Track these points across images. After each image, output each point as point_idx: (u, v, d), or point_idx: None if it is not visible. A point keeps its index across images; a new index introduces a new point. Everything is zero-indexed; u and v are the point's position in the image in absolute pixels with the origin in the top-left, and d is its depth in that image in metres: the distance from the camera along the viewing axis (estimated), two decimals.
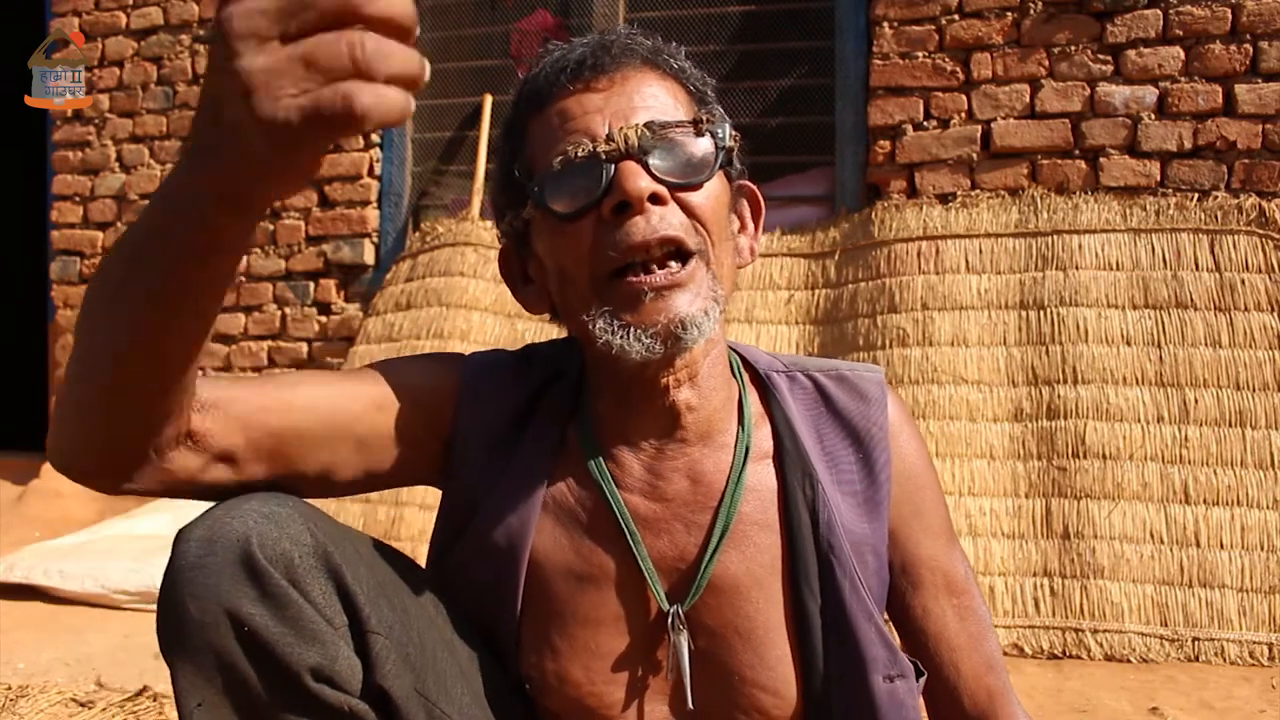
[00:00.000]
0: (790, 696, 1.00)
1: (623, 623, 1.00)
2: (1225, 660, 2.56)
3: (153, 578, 3.07)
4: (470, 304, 3.59)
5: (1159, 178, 3.19)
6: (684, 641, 0.98)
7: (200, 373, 0.87)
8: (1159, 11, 3.18)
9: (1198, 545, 2.71)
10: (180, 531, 0.86)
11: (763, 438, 1.04)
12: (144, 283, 0.75)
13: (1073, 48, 3.27)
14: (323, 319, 4.14)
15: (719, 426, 1.03)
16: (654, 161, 0.93)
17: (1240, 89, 3.11)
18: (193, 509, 0.88)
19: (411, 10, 0.58)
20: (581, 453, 1.03)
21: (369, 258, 4.09)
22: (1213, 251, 3.01)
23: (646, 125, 0.94)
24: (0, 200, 6.51)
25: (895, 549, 1.07)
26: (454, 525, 1.05)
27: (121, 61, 4.47)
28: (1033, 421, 2.94)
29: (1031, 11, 3.30)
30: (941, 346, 3.09)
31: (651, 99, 0.97)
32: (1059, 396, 2.94)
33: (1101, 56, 3.24)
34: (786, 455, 1.03)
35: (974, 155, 3.35)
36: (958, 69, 3.38)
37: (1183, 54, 3.17)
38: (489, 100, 3.92)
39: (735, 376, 1.06)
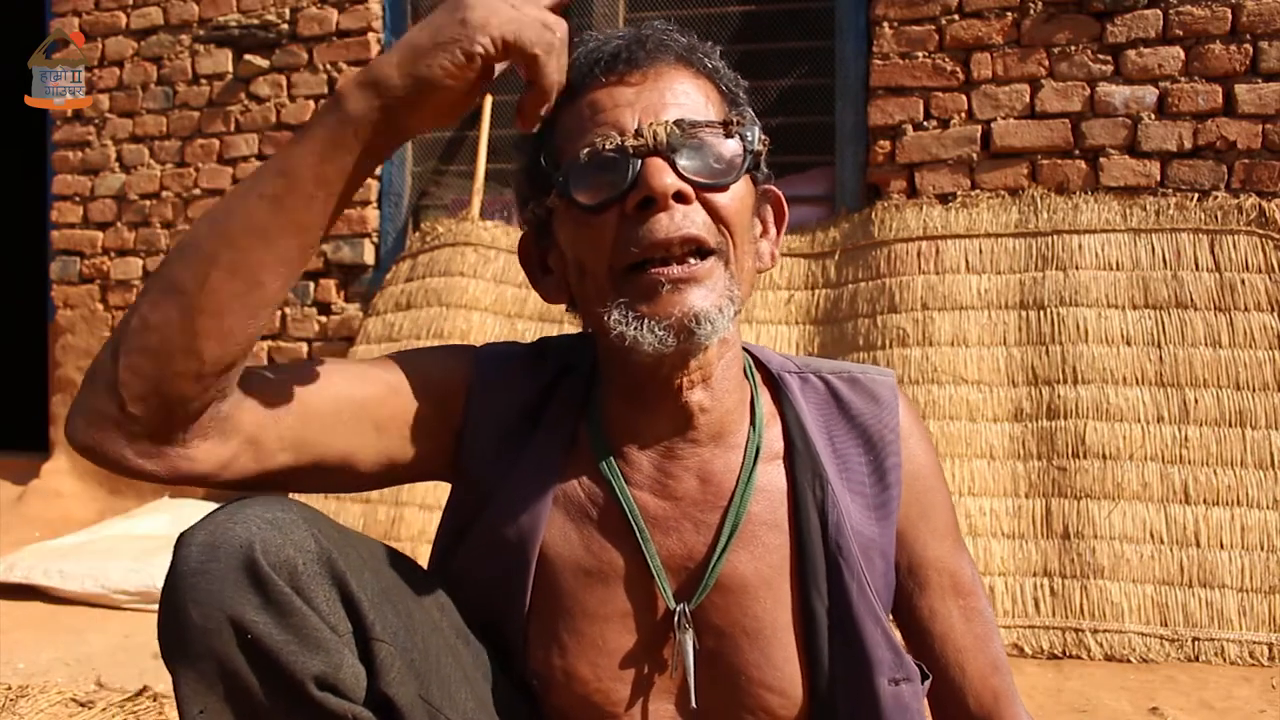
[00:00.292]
0: (796, 696, 1.00)
1: (630, 620, 1.00)
2: (1225, 660, 2.56)
3: (153, 578, 3.07)
4: (470, 304, 3.60)
5: (1159, 178, 3.19)
6: (689, 640, 0.98)
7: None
8: (1159, 11, 3.18)
9: (1198, 545, 2.71)
10: (182, 536, 0.85)
11: (774, 438, 1.04)
12: (281, 181, 0.85)
13: (1073, 48, 3.27)
14: (323, 319, 4.14)
15: (731, 427, 1.02)
16: (681, 160, 0.93)
17: (1240, 89, 3.11)
18: (193, 510, 0.87)
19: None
20: (592, 449, 1.02)
21: (369, 258, 4.09)
22: (1213, 251, 3.01)
23: (676, 123, 0.93)
24: (0, 200, 6.51)
25: (902, 550, 1.07)
26: (462, 519, 1.05)
27: (121, 61, 4.47)
28: (1033, 421, 2.94)
29: (1031, 11, 3.30)
30: (941, 346, 3.09)
31: (683, 96, 0.96)
32: (1059, 396, 2.94)
33: (1101, 56, 3.24)
34: (797, 456, 1.03)
35: (974, 155, 3.35)
36: (958, 69, 3.38)
37: (1183, 54, 3.17)
38: (489, 100, 3.92)
39: (748, 377, 1.06)
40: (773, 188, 1.06)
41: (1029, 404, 2.97)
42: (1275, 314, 2.90)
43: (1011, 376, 3.02)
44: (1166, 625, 2.64)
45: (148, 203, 4.43)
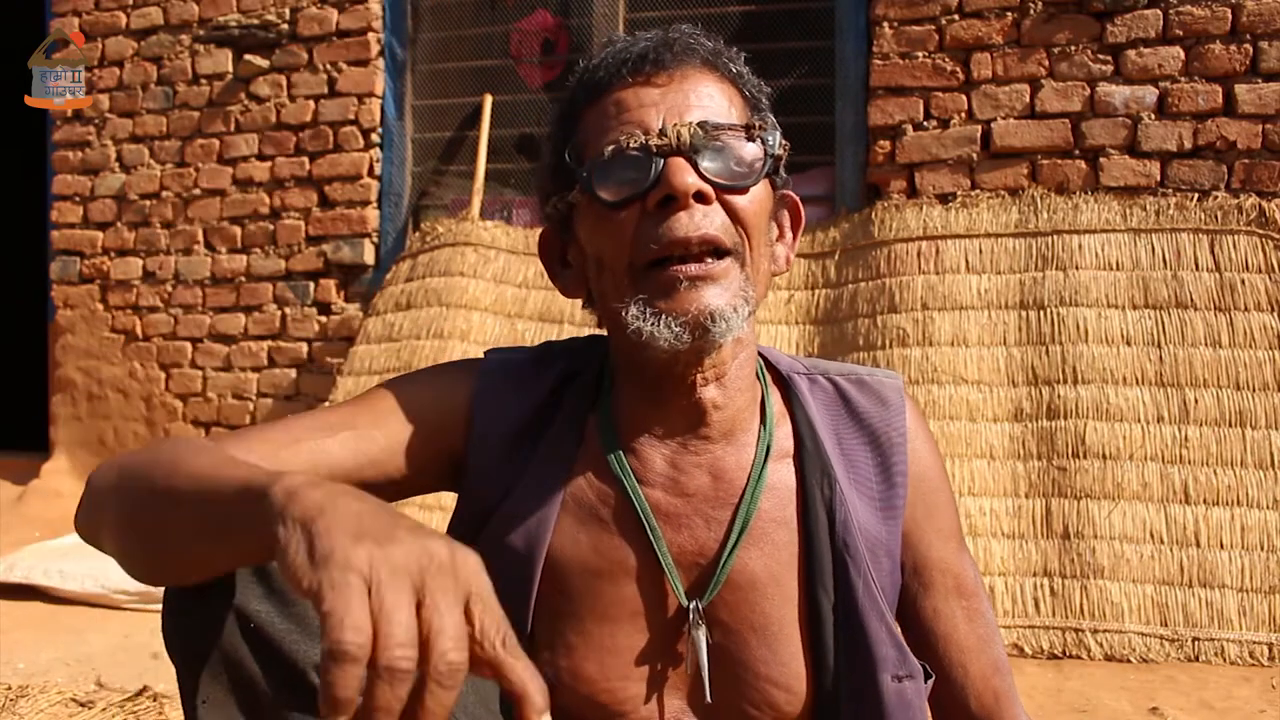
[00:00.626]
0: (801, 692, 1.01)
1: (640, 618, 1.00)
2: (1225, 660, 2.56)
3: None
4: (470, 304, 3.60)
5: (1159, 178, 3.19)
6: (703, 637, 0.99)
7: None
8: (1159, 11, 3.18)
9: (1198, 545, 2.71)
10: None
11: (783, 436, 1.05)
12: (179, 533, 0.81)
13: (1073, 48, 3.27)
14: (323, 319, 4.14)
15: (742, 425, 1.03)
16: (704, 162, 0.94)
17: (1240, 89, 3.11)
18: None
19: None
20: (602, 447, 1.03)
21: (369, 258, 4.09)
22: (1213, 251, 3.01)
23: (700, 124, 0.95)
24: (0, 200, 6.51)
25: (907, 551, 1.08)
26: (467, 529, 1.06)
27: (121, 61, 4.48)
28: (1033, 421, 2.94)
29: (1031, 11, 3.30)
30: (941, 346, 3.09)
31: (707, 99, 0.98)
32: (1059, 396, 2.94)
33: (1101, 56, 3.24)
34: (806, 455, 1.04)
35: (974, 155, 3.35)
36: (958, 69, 3.38)
37: (1183, 54, 3.17)
38: (489, 100, 3.92)
39: (759, 377, 1.07)
40: (790, 192, 1.08)
41: (1029, 404, 2.97)
42: (1275, 314, 2.90)
43: (1011, 376, 3.02)
44: (1166, 625, 2.64)
45: (148, 203, 4.43)
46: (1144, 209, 3.12)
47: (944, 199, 3.36)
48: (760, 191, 0.99)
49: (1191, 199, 3.11)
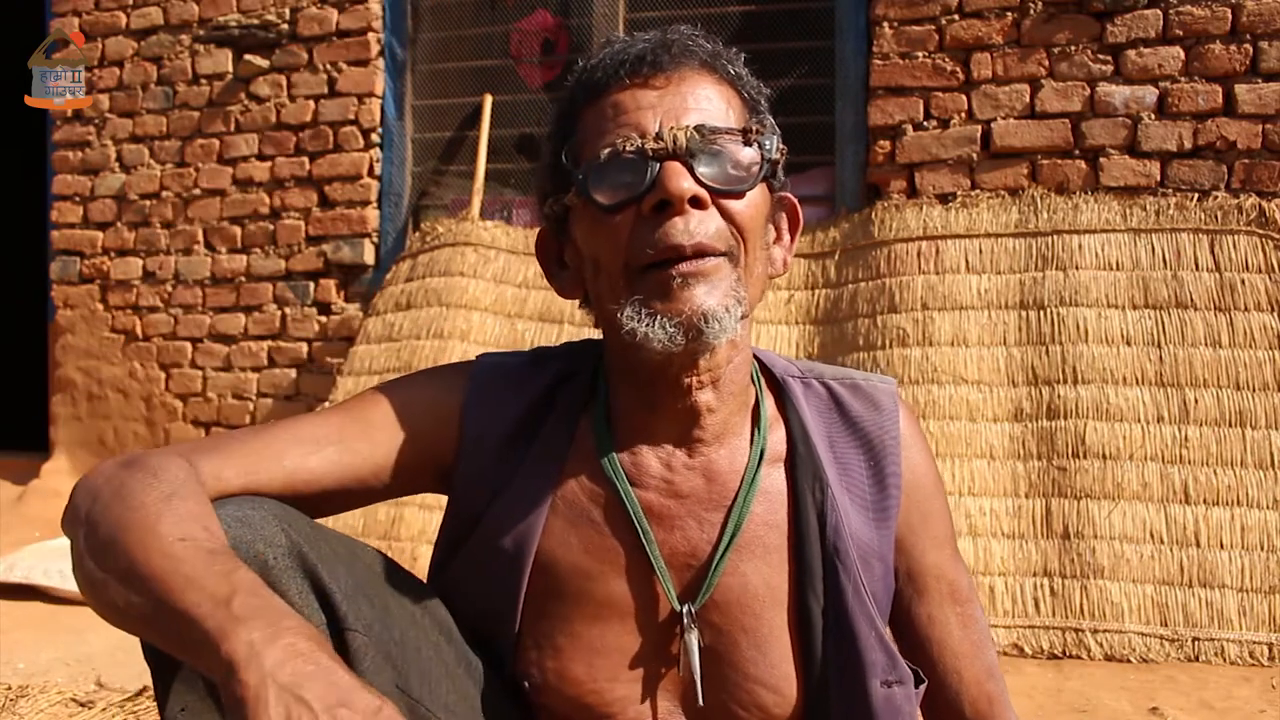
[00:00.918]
0: (791, 694, 1.01)
1: (631, 619, 1.00)
2: (1225, 660, 2.56)
3: None
4: (470, 304, 3.60)
5: (1159, 178, 3.19)
6: (694, 639, 0.99)
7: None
8: (1159, 11, 3.18)
9: (1198, 545, 2.71)
10: None
11: (777, 441, 1.05)
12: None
13: (1073, 48, 3.27)
14: (323, 319, 4.14)
15: (736, 429, 1.03)
16: (700, 166, 0.94)
17: (1240, 89, 3.11)
18: None
19: None
20: (595, 449, 1.03)
21: (369, 258, 4.09)
22: (1213, 251, 3.01)
23: (697, 128, 0.94)
24: (0, 200, 6.51)
25: (901, 557, 1.08)
26: (458, 532, 1.06)
27: (121, 61, 4.48)
28: (1033, 421, 2.94)
29: (1031, 11, 3.30)
30: (941, 346, 3.09)
31: (705, 102, 0.97)
32: (1059, 396, 2.94)
33: (1101, 56, 3.24)
34: (799, 459, 1.04)
35: (974, 155, 3.35)
36: (958, 69, 3.38)
37: (1183, 54, 3.17)
38: (489, 100, 3.92)
39: (753, 381, 1.07)
40: (788, 195, 1.07)
41: (1029, 404, 2.97)
42: (1275, 314, 2.90)
43: (1011, 376, 3.02)
44: (1166, 625, 2.64)
45: (148, 203, 4.43)
46: (1144, 209, 3.12)
47: (944, 199, 3.36)
48: (757, 195, 0.98)
49: (1191, 199, 3.11)
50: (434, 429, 1.04)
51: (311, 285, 4.16)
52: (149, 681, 2.33)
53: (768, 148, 0.98)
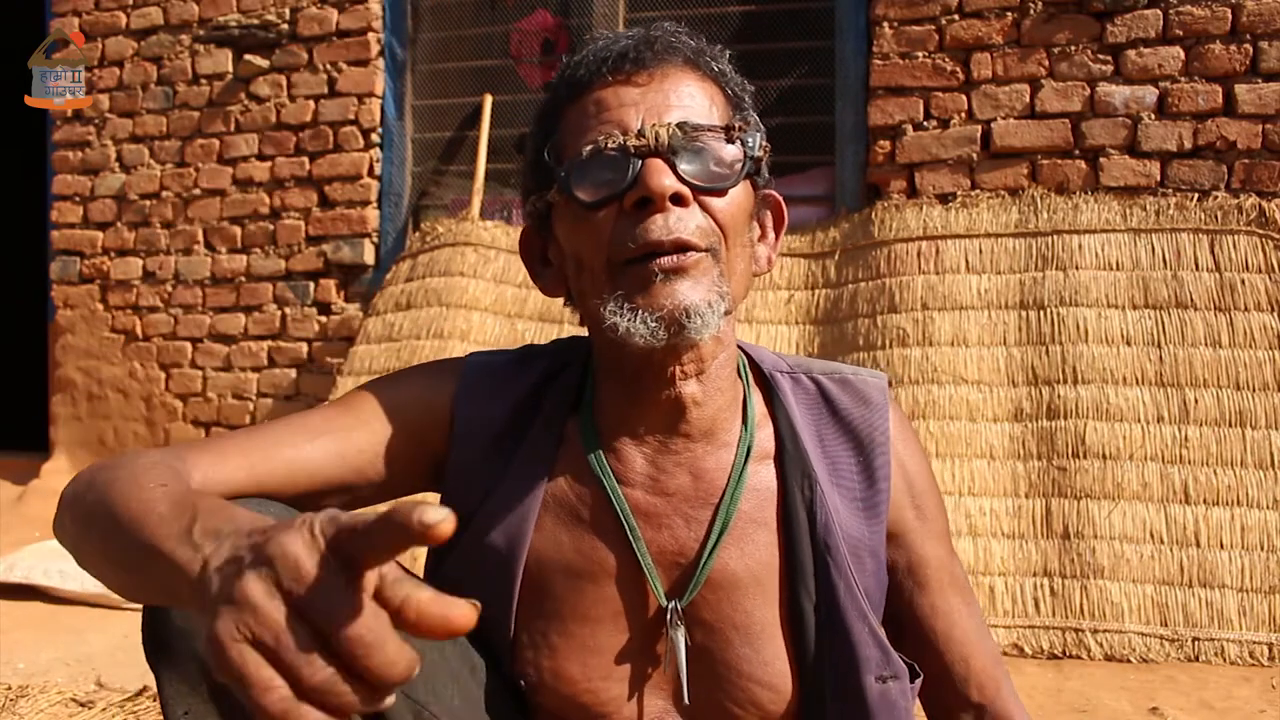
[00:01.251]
0: (785, 691, 1.01)
1: (621, 618, 1.00)
2: (1225, 660, 2.56)
3: None
4: (470, 304, 3.59)
5: (1159, 178, 3.19)
6: (681, 637, 0.99)
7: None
8: (1159, 11, 3.18)
9: (1198, 545, 2.71)
10: None
11: (765, 438, 1.05)
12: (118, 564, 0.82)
13: (1073, 48, 3.27)
14: (323, 319, 4.14)
15: (723, 425, 1.03)
16: (682, 164, 0.94)
17: (1240, 89, 3.11)
18: None
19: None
20: (582, 447, 1.03)
21: (369, 258, 4.09)
22: (1213, 251, 3.01)
23: (679, 125, 0.94)
24: (0, 200, 6.51)
25: (900, 551, 1.08)
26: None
27: (121, 61, 4.48)
28: (1033, 421, 2.94)
29: (1031, 11, 3.30)
30: (941, 346, 3.09)
31: (688, 99, 0.97)
32: (1059, 396, 2.94)
33: (1101, 56, 3.24)
34: (787, 456, 1.04)
35: (974, 155, 3.35)
36: (958, 69, 3.38)
37: (1183, 54, 3.17)
38: (489, 100, 3.92)
39: (741, 377, 1.07)
40: (773, 192, 1.07)
41: (1029, 404, 2.97)
42: (1275, 314, 2.90)
43: (1011, 376, 3.02)
44: (1166, 625, 2.64)
45: (148, 203, 4.43)
46: (1144, 209, 3.12)
47: (944, 199, 3.36)
48: (739, 193, 0.98)
49: (1191, 199, 3.11)
50: (425, 422, 1.04)
51: (311, 285, 4.16)
52: (149, 681, 2.34)
53: (751, 145, 0.98)
